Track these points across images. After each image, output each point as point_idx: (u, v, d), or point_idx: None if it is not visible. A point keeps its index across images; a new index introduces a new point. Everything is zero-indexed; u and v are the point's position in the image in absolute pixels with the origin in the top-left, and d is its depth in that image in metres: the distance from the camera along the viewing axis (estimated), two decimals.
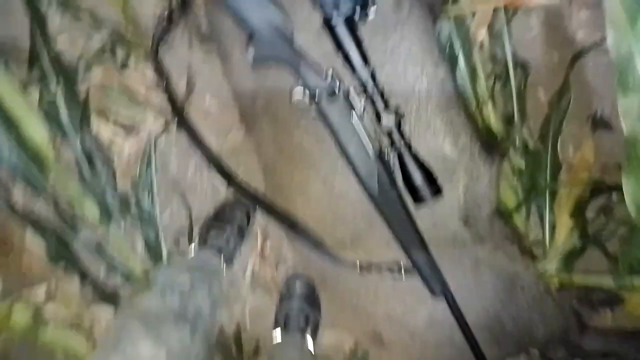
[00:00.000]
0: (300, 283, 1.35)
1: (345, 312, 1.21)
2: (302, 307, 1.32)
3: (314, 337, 1.31)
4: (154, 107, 1.37)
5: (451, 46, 1.19)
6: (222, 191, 1.40)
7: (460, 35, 1.19)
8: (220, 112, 1.35)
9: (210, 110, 1.36)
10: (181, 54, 1.38)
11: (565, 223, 1.28)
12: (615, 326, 1.19)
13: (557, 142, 1.29)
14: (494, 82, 1.24)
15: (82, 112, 1.33)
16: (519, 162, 1.28)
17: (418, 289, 1.02)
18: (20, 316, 1.12)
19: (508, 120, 1.31)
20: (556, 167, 1.30)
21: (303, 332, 1.29)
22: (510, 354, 1.12)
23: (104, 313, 1.31)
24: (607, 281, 1.06)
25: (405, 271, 1.02)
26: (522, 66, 1.26)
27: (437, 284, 1.01)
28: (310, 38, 0.96)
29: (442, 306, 1.03)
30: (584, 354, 1.16)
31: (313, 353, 1.27)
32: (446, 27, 1.21)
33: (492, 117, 1.26)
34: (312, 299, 1.34)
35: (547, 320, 1.12)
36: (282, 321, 1.32)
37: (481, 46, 1.23)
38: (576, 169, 1.30)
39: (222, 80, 1.30)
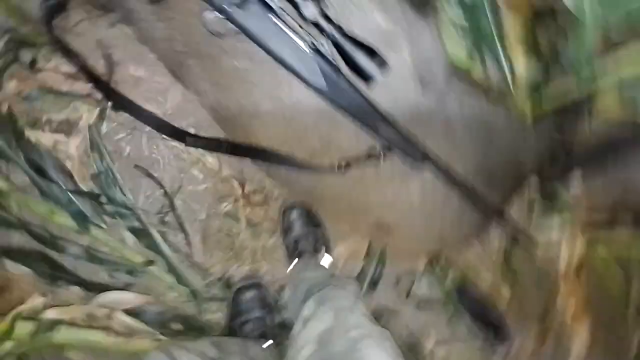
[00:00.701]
0: (295, 210, 1.35)
1: (344, 217, 1.21)
2: (305, 231, 1.33)
3: (327, 251, 1.33)
4: (83, 97, 1.30)
5: None
6: (185, 156, 1.36)
7: None
8: (150, 75, 1.29)
9: (139, 77, 1.29)
10: (88, 34, 1.30)
11: (521, 58, 1.25)
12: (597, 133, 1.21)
13: None
14: None
15: (11, 129, 1.27)
16: (458, 14, 1.25)
17: (401, 165, 1.02)
18: (23, 328, 1.10)
19: None
20: (495, 7, 1.26)
21: (315, 252, 1.31)
22: (508, 192, 1.14)
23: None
24: (573, 91, 1.05)
25: (382, 153, 1.01)
26: None
27: (416, 153, 1.00)
28: None
29: (428, 173, 1.03)
30: (579, 164, 1.18)
31: (329, 268, 1.29)
32: None
33: None
34: (310, 219, 1.35)
35: (532, 152, 1.13)
36: (293, 251, 1.33)
37: None
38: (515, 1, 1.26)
39: (139, 44, 1.23)
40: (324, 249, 1.32)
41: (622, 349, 1.53)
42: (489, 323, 1.47)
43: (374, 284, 1.43)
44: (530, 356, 1.49)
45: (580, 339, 1.36)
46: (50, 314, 1.12)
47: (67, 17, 1.29)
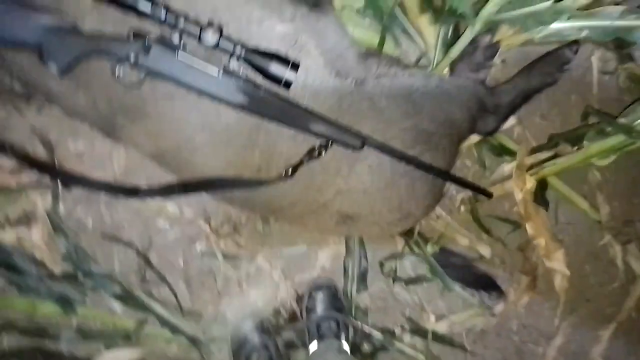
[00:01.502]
0: (320, 292, 1.40)
1: (308, 220, 1.22)
2: (330, 314, 1.38)
3: (347, 339, 1.37)
4: (33, 186, 1.33)
5: None
6: (146, 211, 1.39)
7: None
8: (90, 145, 1.33)
9: (80, 150, 1.33)
10: (20, 125, 1.33)
11: (425, 23, 1.33)
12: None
13: None
14: None
15: None
16: (355, 2, 1.32)
17: (345, 154, 1.06)
18: None
19: None
20: None
21: (337, 337, 1.35)
22: (451, 152, 1.19)
23: None
24: (471, 33, 1.13)
25: (322, 148, 1.05)
26: None
27: (353, 139, 1.04)
28: (94, 17, 0.94)
29: (371, 153, 1.07)
30: (508, 108, 1.25)
31: (350, 355, 1.33)
32: None
33: None
34: (337, 304, 1.40)
35: (460, 105, 1.18)
36: (315, 332, 1.36)
37: None
38: None
39: (69, 119, 1.26)
40: (343, 335, 1.36)
41: (607, 266, 1.58)
42: (479, 286, 1.51)
43: (362, 279, 1.46)
44: (526, 306, 1.53)
45: (559, 274, 1.41)
46: None
47: None
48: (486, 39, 1.20)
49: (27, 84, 1.15)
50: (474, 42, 1.22)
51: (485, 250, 1.48)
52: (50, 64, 0.92)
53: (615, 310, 1.59)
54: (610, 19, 1.04)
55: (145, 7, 0.89)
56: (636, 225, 1.58)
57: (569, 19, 1.01)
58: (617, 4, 1.03)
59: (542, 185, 1.45)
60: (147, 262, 1.38)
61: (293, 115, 1.02)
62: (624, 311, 1.57)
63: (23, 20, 0.88)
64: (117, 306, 1.37)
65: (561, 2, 0.95)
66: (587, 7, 1.04)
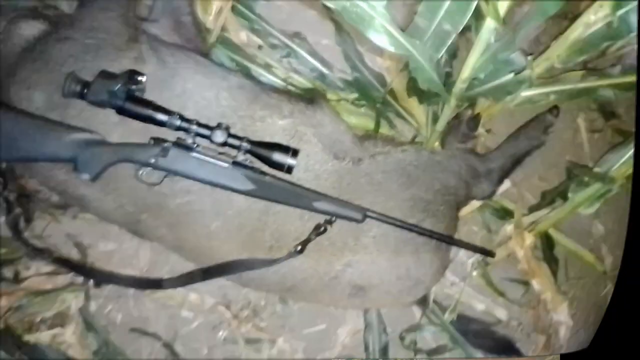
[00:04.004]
0: None
1: (321, 295, 1.28)
2: None
3: None
4: (67, 287, 1.42)
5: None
6: (170, 302, 1.46)
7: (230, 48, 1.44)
8: (119, 245, 1.44)
9: (111, 250, 1.44)
10: (57, 232, 1.46)
11: (415, 105, 1.47)
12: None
13: (362, 61, 1.50)
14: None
15: (11, 341, 1.36)
16: (348, 93, 1.48)
17: (349, 227, 1.15)
18: None
19: (321, 76, 1.51)
20: (378, 77, 1.50)
21: None
22: (451, 217, 1.26)
23: None
24: (449, 109, 1.25)
25: (327, 223, 1.14)
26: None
27: (355, 213, 1.13)
28: (120, 131, 1.09)
29: (374, 225, 1.16)
30: (500, 172, 1.34)
31: None
32: (219, 51, 1.44)
33: (296, 79, 1.46)
34: None
35: (453, 173, 1.27)
36: None
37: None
38: (390, 68, 1.52)
39: (100, 222, 1.38)
40: None
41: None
42: (500, 351, 1.49)
43: (384, 354, 1.47)
44: None
45: (563, 325, 1.40)
46: None
47: (35, 226, 1.46)
48: (468, 112, 1.33)
49: (62, 194, 1.29)
50: (458, 116, 1.35)
51: (501, 314, 1.49)
52: (83, 174, 1.06)
53: None
54: (573, 82, 1.16)
55: (162, 117, 1.05)
56: None
57: (530, 86, 1.13)
58: (570, 70, 1.16)
59: (549, 243, 1.49)
60: (173, 353, 1.42)
61: (298, 196, 1.12)
62: None
63: (58, 137, 1.04)
64: None
65: (521, 74, 1.07)
66: (548, 76, 1.17)
